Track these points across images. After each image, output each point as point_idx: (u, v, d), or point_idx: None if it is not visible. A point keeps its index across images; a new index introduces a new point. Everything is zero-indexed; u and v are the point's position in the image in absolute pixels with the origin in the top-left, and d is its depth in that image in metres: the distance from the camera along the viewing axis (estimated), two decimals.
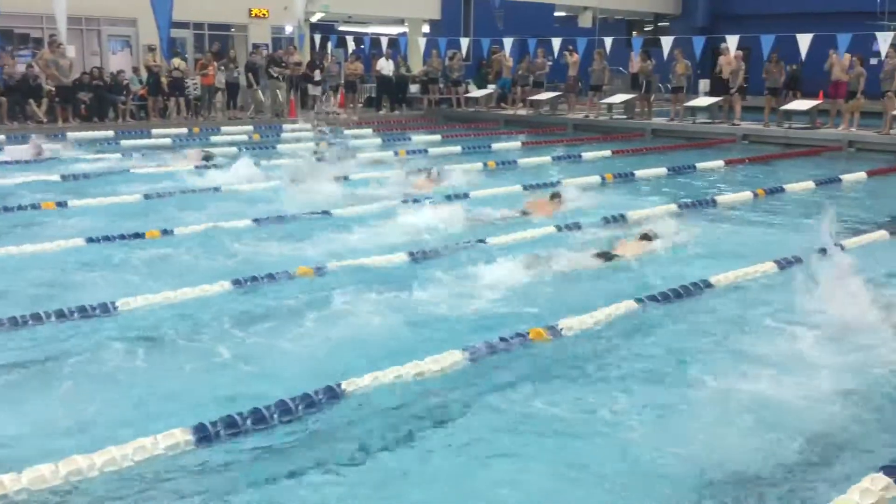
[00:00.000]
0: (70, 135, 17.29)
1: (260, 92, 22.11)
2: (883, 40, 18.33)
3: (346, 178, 12.67)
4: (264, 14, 24.76)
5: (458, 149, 17.15)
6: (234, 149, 16.53)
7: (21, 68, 19.40)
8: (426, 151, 16.68)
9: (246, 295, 6.70)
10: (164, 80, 20.63)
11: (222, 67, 21.36)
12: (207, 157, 14.56)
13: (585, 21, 32.47)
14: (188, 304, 6.39)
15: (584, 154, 16.55)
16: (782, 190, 12.20)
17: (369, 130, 20.04)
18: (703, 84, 28.51)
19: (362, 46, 26.34)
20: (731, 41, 20.41)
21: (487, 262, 7.73)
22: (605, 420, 4.64)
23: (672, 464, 4.15)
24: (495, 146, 17.43)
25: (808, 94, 21.51)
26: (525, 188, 11.97)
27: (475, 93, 25.53)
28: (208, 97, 21.44)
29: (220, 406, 4.56)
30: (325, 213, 9.89)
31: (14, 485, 3.70)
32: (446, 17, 28.26)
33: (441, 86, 25.37)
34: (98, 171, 13.27)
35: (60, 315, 5.99)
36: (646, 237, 8.49)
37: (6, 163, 13.83)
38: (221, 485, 3.94)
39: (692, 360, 5.54)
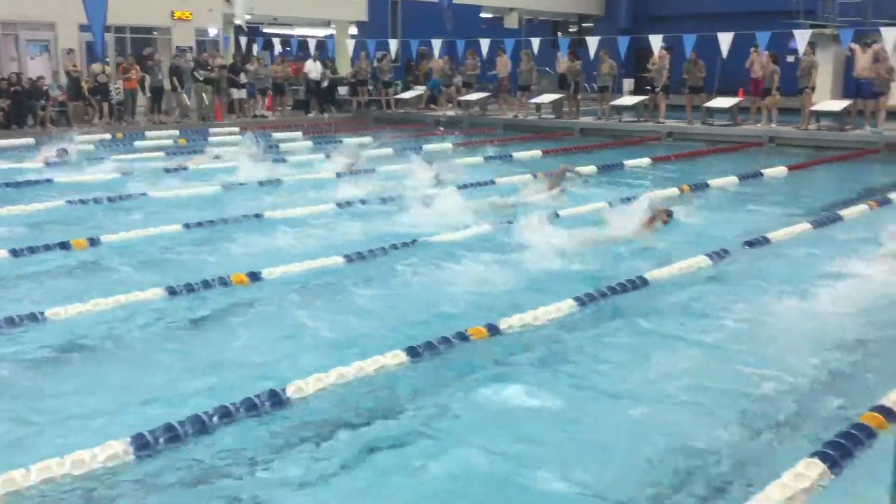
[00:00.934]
0: None
1: (185, 95, 21.69)
2: (800, 38, 18.95)
3: (278, 181, 12.54)
4: (188, 17, 24.29)
5: (389, 151, 17.11)
6: (160, 153, 16.21)
7: None
8: (358, 154, 16.56)
9: (181, 302, 6.56)
10: (84, 84, 20.07)
11: (146, 71, 20.90)
12: (217, 157, 15.32)
13: (511, 22, 32.77)
14: (120, 311, 6.24)
15: (514, 154, 16.68)
16: (707, 185, 12.50)
17: (299, 133, 19.85)
18: (628, 83, 29.10)
19: (289, 48, 26.05)
20: (655, 41, 20.84)
21: (426, 263, 7.75)
22: (549, 410, 4.69)
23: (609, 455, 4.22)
24: (427, 147, 17.45)
25: (728, 92, 22.13)
26: (459, 188, 11.99)
27: (405, 94, 25.52)
28: (132, 102, 20.94)
29: (158, 414, 4.46)
30: (258, 216, 9.76)
31: None
32: (374, 18, 28.18)
33: (370, 88, 25.28)
34: (16, 180, 12.83)
35: None
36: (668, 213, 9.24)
37: None
38: (163, 495, 3.85)
39: (631, 353, 5.64)
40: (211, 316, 6.35)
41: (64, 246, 8.15)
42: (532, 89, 23.24)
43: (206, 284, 6.80)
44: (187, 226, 9.14)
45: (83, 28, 21.23)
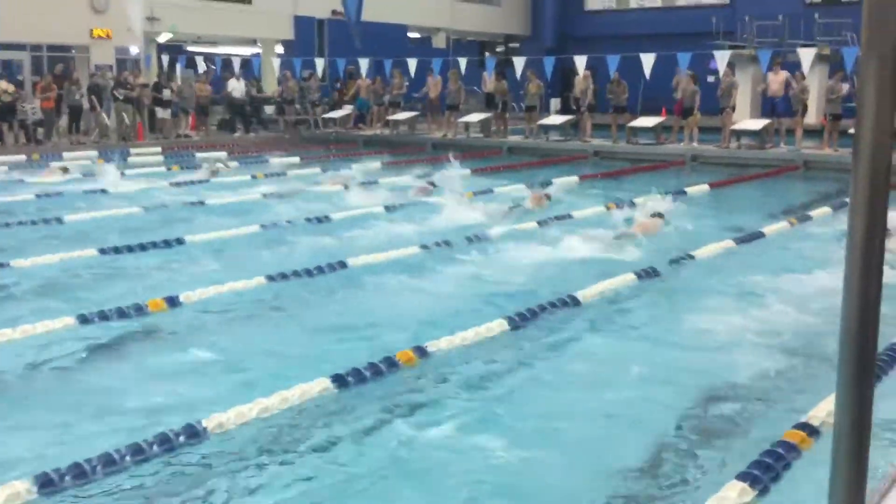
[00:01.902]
0: None
1: (104, 115, 21.11)
2: (720, 59, 19.45)
3: (202, 203, 12.24)
4: (107, 35, 23.69)
5: (317, 170, 16.92)
6: (77, 175, 15.69)
7: None
8: (285, 174, 16.35)
9: (93, 330, 6.26)
10: None
11: (64, 90, 20.26)
12: (215, 172, 15.58)
13: (439, 42, 32.94)
14: (28, 342, 5.92)
15: (444, 173, 16.63)
16: (633, 204, 12.63)
17: (223, 154, 19.48)
18: (555, 103, 29.50)
19: (213, 67, 25.62)
20: (580, 61, 21.14)
21: (355, 286, 7.61)
22: (476, 441, 4.58)
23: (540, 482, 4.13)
24: (356, 167, 17.30)
25: (652, 112, 22.58)
26: (387, 209, 11.89)
27: (333, 113, 25.35)
28: (51, 122, 20.27)
29: (66, 453, 4.20)
30: (179, 241, 9.46)
31: None
32: (300, 37, 27.96)
33: (298, 107, 25.02)
34: None
35: None
36: (658, 215, 10.10)
37: None
38: None
39: (561, 373, 5.58)
40: (126, 345, 6.08)
41: None
42: (460, 108, 23.32)
43: (121, 312, 6.52)
44: (103, 251, 8.79)
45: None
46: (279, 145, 22.15)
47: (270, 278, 7.60)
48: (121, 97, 20.90)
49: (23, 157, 17.92)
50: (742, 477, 3.87)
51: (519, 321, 6.42)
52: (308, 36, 28.03)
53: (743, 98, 22.13)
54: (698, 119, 19.38)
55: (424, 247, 9.12)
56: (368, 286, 7.76)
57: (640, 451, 4.43)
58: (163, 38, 25.00)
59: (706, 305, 7.05)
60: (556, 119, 22.93)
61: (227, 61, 25.27)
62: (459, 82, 22.88)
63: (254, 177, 15.81)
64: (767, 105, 19.21)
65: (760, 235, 9.90)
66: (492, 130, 22.87)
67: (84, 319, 6.30)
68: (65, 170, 15.61)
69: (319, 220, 10.96)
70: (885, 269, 1.65)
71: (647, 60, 19.76)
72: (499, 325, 6.30)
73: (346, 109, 25.48)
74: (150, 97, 21.78)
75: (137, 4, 22.08)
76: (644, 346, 6.10)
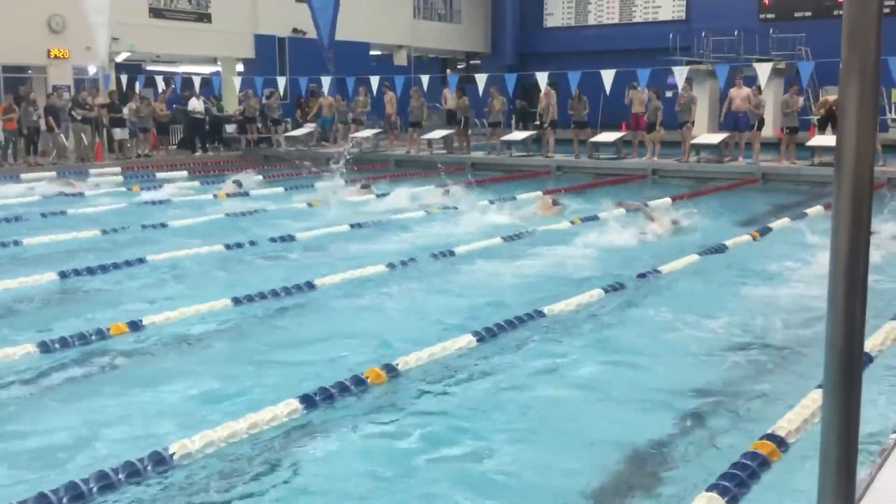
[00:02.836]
0: None
1: (62, 136, 20.78)
2: (679, 74, 19.73)
3: (164, 224, 12.08)
4: (65, 55, 23.36)
5: (280, 189, 16.81)
6: (36, 197, 15.42)
7: None
8: (248, 194, 16.21)
9: (54, 357, 6.12)
10: None
11: (20, 111, 19.91)
12: (238, 184, 16.23)
13: (401, 59, 33.01)
14: None
15: (411, 189, 16.61)
16: (596, 218, 12.70)
17: (184, 173, 19.27)
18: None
19: (173, 86, 25.36)
20: (541, 78, 21.30)
21: (321, 306, 7.54)
22: (446, 456, 4.55)
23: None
24: (319, 184, 17.21)
25: (613, 127, 22.83)
26: (352, 227, 11.83)
27: (295, 132, 25.23)
28: (13, 143, 19.90)
29: (32, 482, 4.09)
30: (142, 261, 9.31)
31: None
32: (261, 55, 27.82)
33: (259, 125, 24.87)
34: None
35: None
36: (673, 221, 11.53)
37: None
38: None
39: (528, 387, 5.56)
40: (89, 370, 5.94)
41: None
42: (423, 125, 23.35)
43: (83, 337, 6.37)
44: (63, 274, 8.61)
45: None
46: (241, 164, 21.97)
47: (236, 300, 7.49)
48: (79, 117, 20.60)
49: None
50: (712, 489, 3.87)
51: (486, 336, 6.40)
52: (269, 54, 27.90)
53: (701, 112, 22.47)
54: (662, 134, 19.61)
55: (391, 265, 9.07)
56: (336, 306, 7.70)
57: (607, 466, 4.43)
58: (121, 57, 24.73)
59: (673, 319, 7.10)
60: (518, 135, 23.06)
61: (187, 80, 25.04)
62: (422, 99, 22.93)
63: (215, 196, 15.64)
64: (731, 120, 19.51)
65: (723, 248, 10.00)
66: (455, 147, 22.92)
67: (45, 347, 6.15)
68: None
69: (284, 239, 10.87)
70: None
71: (607, 76, 19.97)
72: (466, 341, 6.28)
73: (309, 127, 25.38)
74: (108, 117, 21.50)
75: (103, 27, 21.78)
76: (610, 361, 6.11)
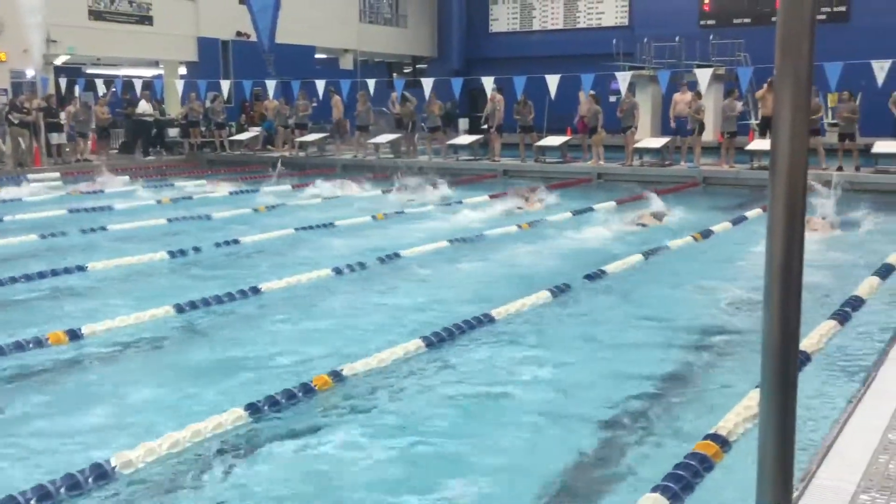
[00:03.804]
0: None
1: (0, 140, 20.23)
2: (622, 80, 20.00)
3: (104, 228, 11.85)
4: (1, 58, 22.74)
5: (225, 193, 16.59)
6: None
7: None
8: (191, 198, 15.98)
9: None
10: None
11: None
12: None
13: (347, 63, 32.86)
14: None
15: (356, 193, 16.57)
16: (544, 220, 12.81)
17: (126, 177, 18.91)
18: (463, 123, 29.77)
19: (114, 89, 24.85)
20: (487, 82, 21.40)
21: (268, 312, 7.46)
22: (392, 451, 4.53)
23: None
24: (265, 189, 17.05)
25: (558, 131, 23.04)
26: (296, 230, 11.73)
27: (240, 136, 24.94)
28: None
29: None
30: (81, 267, 9.10)
31: None
32: (204, 59, 27.41)
33: (203, 129, 24.53)
34: None
35: None
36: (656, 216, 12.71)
37: None
38: None
39: (472, 393, 5.57)
40: (26, 380, 5.78)
41: None
42: (370, 129, 23.28)
43: (19, 346, 6.20)
44: None
45: None
46: (184, 168, 21.65)
47: (179, 307, 7.37)
48: (16, 122, 20.08)
49: None
50: (657, 490, 3.92)
51: (435, 341, 6.40)
52: (212, 57, 27.51)
53: (644, 117, 22.80)
54: (603, 137, 19.85)
55: (337, 270, 9.02)
56: (282, 311, 7.63)
57: (551, 470, 4.45)
58: (60, 60, 24.15)
59: (615, 318, 7.19)
60: (465, 139, 23.13)
61: (128, 83, 24.57)
62: (368, 103, 22.87)
63: (159, 202, 15.38)
64: (675, 124, 19.87)
65: (666, 248, 10.16)
66: (402, 151, 22.90)
67: None
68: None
69: (229, 243, 10.74)
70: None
71: (552, 81, 20.15)
72: (415, 345, 6.27)
73: (254, 131, 25.11)
74: (45, 122, 20.98)
75: (37, 28, 21.25)
76: (553, 362, 6.15)
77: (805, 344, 5.97)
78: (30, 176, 18.82)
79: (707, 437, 4.48)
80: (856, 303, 7.28)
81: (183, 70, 27.97)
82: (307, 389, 5.35)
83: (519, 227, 12.14)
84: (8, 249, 10.39)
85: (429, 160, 21.75)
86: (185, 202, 15.46)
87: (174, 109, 25.44)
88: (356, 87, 23.81)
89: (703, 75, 19.43)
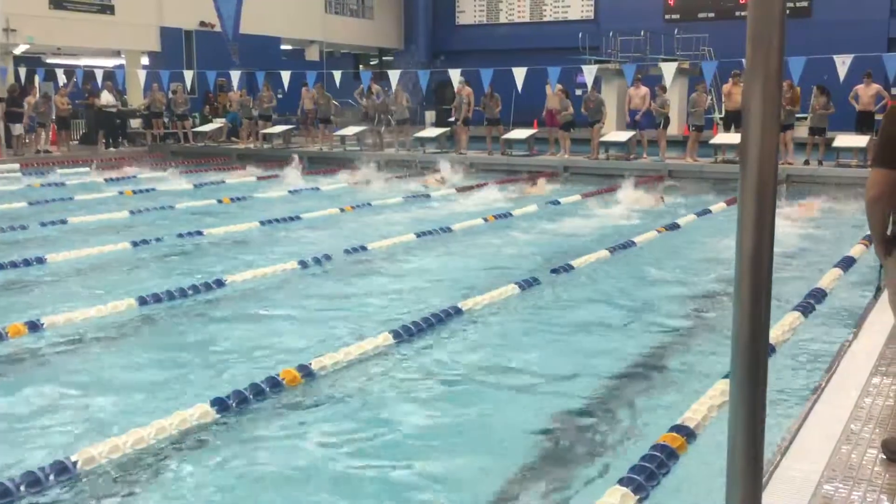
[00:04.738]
0: None
1: None
2: (588, 73, 20.07)
3: (64, 221, 11.64)
4: None
5: (188, 185, 16.41)
6: None
7: None
8: (154, 189, 15.77)
9: None
10: None
11: None
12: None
13: (312, 55, 32.61)
14: None
15: (322, 186, 16.48)
16: (510, 214, 12.83)
17: (86, 169, 18.62)
18: (430, 115, 29.70)
19: (75, 80, 24.41)
20: (454, 75, 21.36)
21: (232, 306, 7.38)
22: (360, 446, 4.51)
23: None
24: (229, 181, 16.89)
25: (525, 124, 23.07)
26: (262, 223, 11.63)
27: (204, 127, 24.65)
28: None
29: None
30: (40, 260, 8.94)
31: None
32: (167, 49, 27.03)
33: (166, 120, 24.20)
34: None
35: None
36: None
37: None
38: None
39: (440, 384, 5.57)
40: None
41: None
42: (333, 121, 23.14)
43: None
44: None
45: None
46: (147, 160, 21.36)
47: (142, 300, 7.27)
48: None
49: None
50: (623, 482, 3.94)
51: (404, 334, 6.38)
52: (175, 47, 27.15)
53: (609, 111, 22.90)
54: (571, 114, 19.96)
55: (302, 262, 8.95)
56: (248, 304, 7.56)
57: (518, 461, 4.46)
58: (19, 49, 23.68)
59: (582, 312, 7.22)
60: (431, 131, 23.08)
61: (89, 73, 24.15)
62: (327, 94, 22.74)
63: (121, 193, 15.16)
64: (631, 118, 20.04)
65: (632, 244, 10.22)
66: (369, 143, 22.79)
67: None
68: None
69: (192, 234, 10.62)
70: None
71: (519, 74, 20.17)
72: (384, 339, 6.24)
73: (218, 123, 24.83)
74: (5, 112, 20.57)
75: None
76: (518, 355, 6.16)
77: (771, 335, 6.04)
78: None
79: (672, 428, 4.52)
80: (818, 294, 7.38)
81: (145, 60, 27.58)
82: (275, 384, 5.30)
83: (486, 220, 12.15)
84: None
85: (395, 152, 21.69)
86: (147, 194, 15.25)
87: (136, 100, 25.07)
88: (322, 78, 23.65)
89: (668, 69, 19.57)
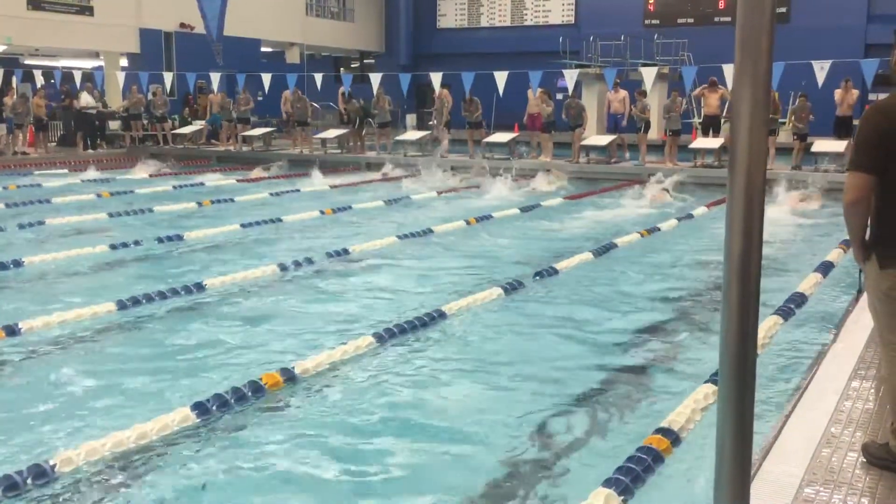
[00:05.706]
0: None
1: None
2: (569, 78, 20.14)
3: (42, 223, 11.53)
4: None
5: (168, 187, 16.29)
6: None
7: None
8: (133, 192, 15.64)
9: None
10: None
11: None
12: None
13: (293, 57, 32.51)
14: None
15: (302, 188, 16.42)
16: (491, 217, 12.83)
17: (64, 170, 18.44)
18: (411, 119, 29.68)
19: (53, 81, 24.20)
20: (435, 78, 21.37)
21: (211, 310, 7.33)
22: (341, 450, 4.49)
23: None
24: (209, 184, 16.78)
25: (506, 128, 23.11)
26: (243, 226, 11.56)
27: (183, 129, 24.49)
28: None
29: None
30: (17, 263, 8.84)
31: None
32: (146, 50, 26.85)
33: (145, 122, 24.03)
34: None
35: None
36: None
37: None
38: None
39: (423, 387, 5.56)
40: None
41: None
42: (310, 124, 23.07)
43: None
44: None
45: None
46: (125, 162, 21.19)
47: (121, 304, 7.20)
48: None
49: None
50: (608, 483, 3.95)
51: (386, 337, 6.36)
52: (155, 49, 26.97)
53: (590, 115, 22.99)
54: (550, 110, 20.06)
55: (283, 266, 8.91)
56: (228, 308, 7.51)
57: (503, 463, 4.46)
58: None
59: (564, 314, 7.23)
60: (413, 134, 23.06)
61: (67, 74, 23.93)
62: (304, 97, 22.68)
63: (99, 195, 15.02)
64: (611, 122, 20.13)
65: (614, 246, 10.25)
66: (350, 146, 22.75)
67: None
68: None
69: (171, 238, 10.54)
70: None
71: (500, 78, 20.21)
72: (366, 342, 6.22)
73: (198, 125, 24.68)
74: None
75: None
76: (505, 359, 6.16)
77: None
78: None
79: (657, 430, 4.53)
80: (798, 298, 7.43)
81: (124, 62, 27.38)
82: (256, 388, 5.27)
83: (467, 222, 12.15)
84: None
85: (377, 155, 21.65)
86: (126, 196, 15.12)
87: (115, 102, 24.88)
88: (303, 81, 23.58)
89: (648, 74, 19.67)
